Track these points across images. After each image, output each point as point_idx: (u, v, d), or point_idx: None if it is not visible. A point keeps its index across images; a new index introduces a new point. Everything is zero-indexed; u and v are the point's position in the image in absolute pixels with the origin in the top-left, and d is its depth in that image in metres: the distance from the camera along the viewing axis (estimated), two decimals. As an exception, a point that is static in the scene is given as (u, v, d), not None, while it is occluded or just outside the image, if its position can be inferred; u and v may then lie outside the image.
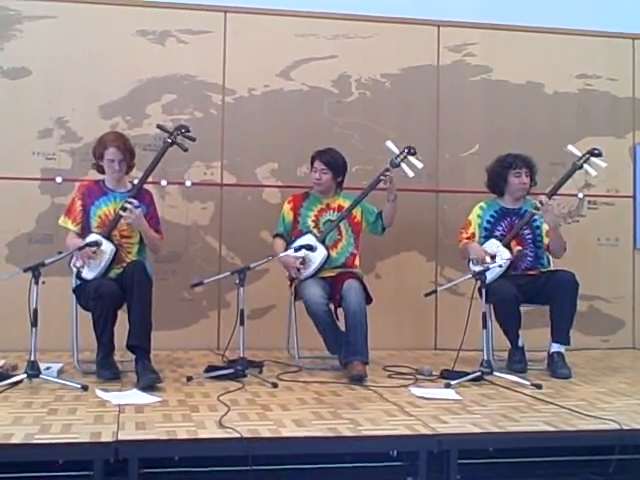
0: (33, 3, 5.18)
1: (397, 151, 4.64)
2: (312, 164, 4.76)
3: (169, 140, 4.36)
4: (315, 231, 4.68)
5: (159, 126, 4.53)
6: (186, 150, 4.40)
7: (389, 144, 4.67)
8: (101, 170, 4.39)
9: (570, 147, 4.73)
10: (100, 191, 4.38)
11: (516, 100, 5.75)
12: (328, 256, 4.56)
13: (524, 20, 5.70)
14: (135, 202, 4.24)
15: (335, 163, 4.72)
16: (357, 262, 4.77)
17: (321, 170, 4.71)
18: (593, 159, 4.64)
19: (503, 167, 4.75)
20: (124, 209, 4.21)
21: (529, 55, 5.76)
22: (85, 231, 4.32)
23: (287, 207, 4.81)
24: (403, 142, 4.73)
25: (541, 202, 4.52)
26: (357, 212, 4.75)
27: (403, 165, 4.62)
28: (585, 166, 4.65)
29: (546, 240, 4.71)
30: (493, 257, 4.55)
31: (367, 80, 5.58)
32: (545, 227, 4.69)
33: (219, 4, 5.38)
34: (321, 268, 4.56)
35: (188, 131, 4.40)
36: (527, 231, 4.71)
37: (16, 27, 5.16)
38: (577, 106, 5.82)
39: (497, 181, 4.79)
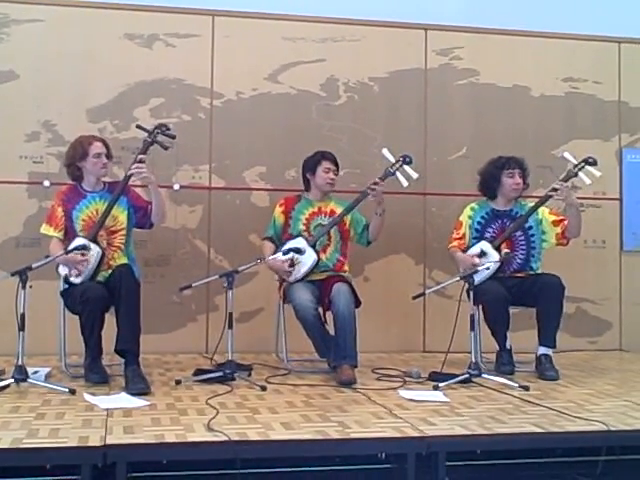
0: (21, 6, 5.17)
1: (393, 159, 4.63)
2: (315, 167, 4.72)
3: (149, 139, 4.35)
4: (306, 234, 4.68)
5: (138, 126, 4.47)
6: (166, 148, 4.37)
7: (385, 152, 4.65)
8: (77, 175, 4.35)
9: (566, 154, 4.75)
10: (79, 195, 4.36)
11: (503, 103, 5.78)
12: (318, 260, 4.57)
13: (511, 24, 5.73)
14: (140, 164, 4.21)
15: (338, 162, 4.75)
16: (346, 267, 4.78)
17: (333, 170, 4.72)
18: (588, 167, 4.65)
19: (496, 168, 4.77)
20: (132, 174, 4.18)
21: (516, 58, 5.79)
22: (69, 236, 4.30)
23: (278, 210, 4.80)
24: (391, 145, 4.77)
25: (558, 184, 4.54)
26: (347, 219, 4.74)
27: (398, 174, 4.61)
28: (580, 174, 4.67)
29: (558, 230, 4.71)
30: (480, 255, 4.57)
31: (355, 83, 5.60)
32: (548, 222, 4.72)
33: (207, 8, 5.38)
34: (310, 272, 4.57)
35: (168, 129, 4.38)
36: (519, 233, 4.73)
37: (3, 30, 5.15)
38: (563, 109, 5.86)
39: (490, 182, 4.80)
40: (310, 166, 4.76)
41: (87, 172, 4.35)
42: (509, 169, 4.74)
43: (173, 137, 4.40)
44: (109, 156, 4.36)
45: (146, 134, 4.36)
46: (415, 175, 4.63)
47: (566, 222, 4.69)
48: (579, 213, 4.67)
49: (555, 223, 4.74)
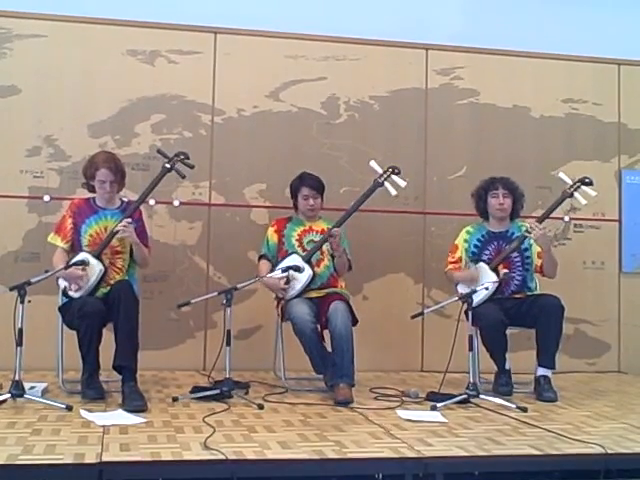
0: (23, 22, 5.19)
1: (380, 171, 4.68)
2: (296, 192, 4.76)
3: (168, 166, 4.36)
4: (299, 250, 4.68)
5: (159, 151, 4.49)
6: (184, 177, 4.41)
7: (373, 164, 4.71)
8: (91, 189, 4.39)
9: (561, 174, 4.76)
10: (91, 209, 4.38)
11: (503, 123, 5.79)
12: (314, 275, 4.56)
13: (511, 44, 5.75)
14: (129, 220, 4.24)
15: (321, 185, 4.75)
16: (342, 282, 4.77)
17: (313, 196, 4.72)
18: (584, 188, 4.67)
19: (483, 189, 4.83)
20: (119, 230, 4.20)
21: (516, 79, 5.81)
22: (75, 249, 4.31)
23: (271, 230, 4.81)
24: (391, 164, 4.75)
25: (531, 227, 4.56)
26: None
27: (387, 184, 4.65)
28: (575, 194, 4.68)
29: (538, 262, 4.73)
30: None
31: (356, 102, 5.61)
32: (536, 249, 4.72)
33: (209, 25, 5.41)
34: (307, 287, 4.56)
35: (187, 158, 4.40)
36: (515, 254, 4.73)
37: (6, 45, 5.16)
38: (563, 130, 5.87)
39: (479, 204, 4.85)
40: (292, 191, 4.82)
41: (97, 192, 4.38)
42: (493, 190, 4.77)
43: (192, 167, 4.42)
44: (121, 177, 4.36)
45: (165, 160, 4.37)
46: (403, 183, 4.66)
47: (538, 263, 4.73)
48: (551, 257, 4.66)
49: (539, 255, 4.74)
